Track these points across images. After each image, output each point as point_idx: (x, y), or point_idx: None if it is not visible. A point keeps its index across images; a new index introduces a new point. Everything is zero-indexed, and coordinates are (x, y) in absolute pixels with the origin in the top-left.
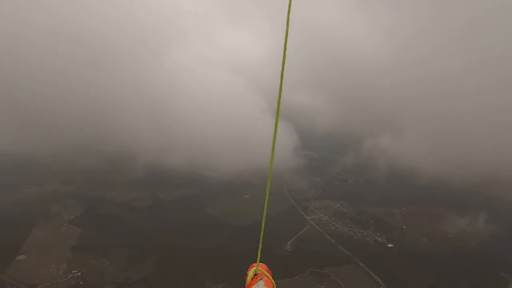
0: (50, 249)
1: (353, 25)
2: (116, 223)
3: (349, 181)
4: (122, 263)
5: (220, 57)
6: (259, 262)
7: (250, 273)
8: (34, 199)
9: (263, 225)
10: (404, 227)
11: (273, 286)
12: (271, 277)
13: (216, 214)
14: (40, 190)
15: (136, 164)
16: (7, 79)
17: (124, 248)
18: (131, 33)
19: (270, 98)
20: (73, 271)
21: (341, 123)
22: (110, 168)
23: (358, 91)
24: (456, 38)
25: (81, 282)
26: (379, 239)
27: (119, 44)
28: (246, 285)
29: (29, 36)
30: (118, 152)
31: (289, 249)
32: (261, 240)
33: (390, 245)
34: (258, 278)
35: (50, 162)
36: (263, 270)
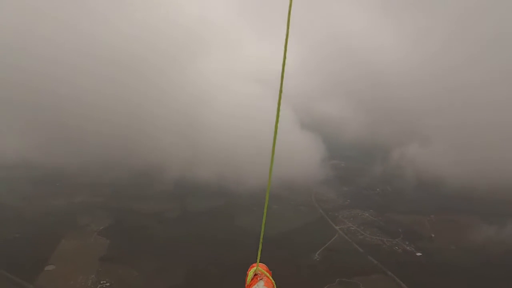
0: (79, 260)
1: (380, 35)
2: (144, 234)
3: (377, 190)
4: (150, 274)
5: (245, 69)
6: (259, 262)
7: (250, 273)
8: (62, 210)
9: (263, 225)
10: (433, 235)
11: (273, 286)
12: (271, 277)
13: (245, 225)
14: (68, 201)
15: (164, 177)
16: (39, 97)
17: (153, 259)
18: (157, 47)
19: (297, 109)
20: (101, 282)
21: (369, 133)
22: (138, 181)
23: (385, 101)
24: (483, 48)
25: None
26: (408, 248)
27: (145, 58)
28: (246, 285)
29: (60, 57)
30: (146, 166)
31: (317, 259)
32: (261, 240)
33: (418, 254)
34: (258, 278)
35: (79, 175)
36: (263, 270)
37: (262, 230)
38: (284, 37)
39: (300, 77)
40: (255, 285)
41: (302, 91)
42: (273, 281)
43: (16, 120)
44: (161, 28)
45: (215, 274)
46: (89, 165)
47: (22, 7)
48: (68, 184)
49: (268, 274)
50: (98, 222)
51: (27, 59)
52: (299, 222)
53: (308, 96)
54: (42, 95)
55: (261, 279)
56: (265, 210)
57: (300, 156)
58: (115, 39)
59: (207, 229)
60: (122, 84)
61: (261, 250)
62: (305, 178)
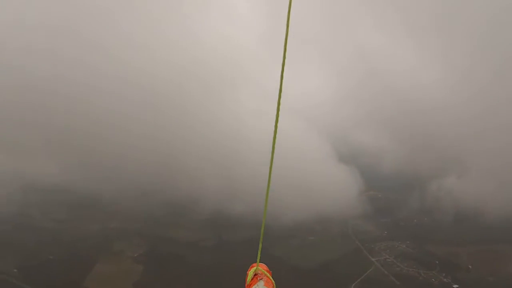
0: (113, 284)
1: (411, 60)
2: (179, 261)
3: (415, 221)
4: None
5: (284, 101)
6: (259, 262)
7: (250, 273)
8: (98, 235)
9: (263, 226)
10: (470, 266)
11: (273, 286)
12: (271, 277)
13: (282, 255)
14: (104, 226)
15: (199, 207)
16: (77, 123)
17: (186, 286)
18: (194, 76)
19: (332, 139)
20: None
21: (406, 163)
22: (174, 210)
23: (421, 129)
24: None
25: None
26: (445, 279)
27: (183, 87)
28: (246, 285)
29: (98, 83)
30: (182, 195)
31: None
32: (261, 240)
33: (455, 286)
34: (258, 278)
35: (115, 201)
36: (263, 270)
37: (262, 231)
38: (284, 38)
39: (335, 109)
40: (255, 285)
41: (337, 123)
42: (273, 281)
43: (54, 144)
44: (200, 57)
45: None
46: (125, 192)
47: (71, 36)
48: (104, 209)
49: (268, 274)
50: (133, 248)
51: (71, 87)
52: (335, 254)
53: (343, 125)
54: (82, 122)
55: (261, 279)
56: (265, 211)
57: (336, 187)
58: (156, 67)
59: (241, 259)
60: (161, 112)
61: (259, 249)
62: (341, 210)
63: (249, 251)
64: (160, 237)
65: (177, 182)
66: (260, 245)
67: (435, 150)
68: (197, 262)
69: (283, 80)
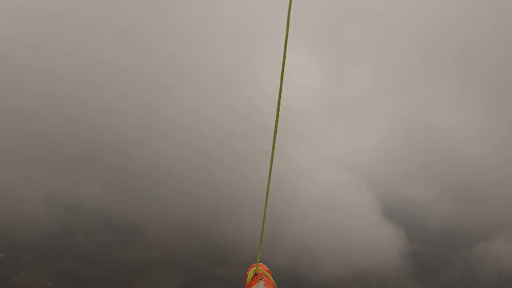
0: None
1: (467, 117)
2: None
3: (457, 278)
4: None
5: (329, 154)
6: (259, 262)
7: (250, 273)
8: (137, 262)
9: (263, 225)
10: None
11: (274, 286)
12: (271, 277)
13: None
14: (144, 254)
15: (239, 250)
16: (132, 163)
17: None
18: (237, 131)
19: (379, 193)
20: None
21: (454, 220)
22: (213, 250)
23: (473, 187)
24: None
25: None
26: None
27: (225, 143)
28: (246, 285)
29: (160, 127)
30: (222, 238)
31: None
32: (261, 240)
33: None
34: (258, 278)
35: (157, 232)
36: (263, 270)
37: (262, 230)
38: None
39: (385, 163)
40: (255, 285)
41: (383, 171)
42: (273, 281)
43: (103, 169)
44: (242, 111)
45: None
46: (168, 226)
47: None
48: (146, 237)
49: (268, 274)
50: (171, 278)
51: (132, 129)
52: None
53: (390, 176)
54: (137, 163)
55: (261, 279)
56: (265, 210)
57: (378, 242)
58: (211, 130)
59: None
60: (212, 159)
61: (259, 249)
62: (382, 266)
63: None
64: (199, 271)
65: (219, 226)
66: (260, 245)
67: (486, 210)
68: None
69: (282, 81)
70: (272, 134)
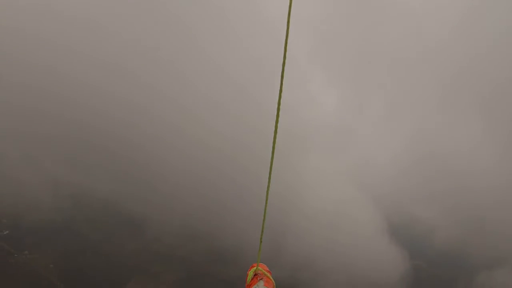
0: None
1: (478, 142)
2: None
3: None
4: None
5: (339, 168)
6: (259, 262)
7: (250, 273)
8: (138, 254)
9: (263, 225)
10: None
11: (274, 286)
12: (271, 277)
13: None
14: (145, 248)
15: (240, 255)
16: (138, 167)
17: None
18: (245, 144)
19: (389, 219)
20: None
21: (459, 243)
22: (215, 256)
23: (482, 220)
24: None
25: None
26: None
27: (234, 158)
28: (246, 285)
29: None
30: (223, 246)
31: None
32: (261, 240)
33: None
34: (258, 278)
35: (160, 228)
36: (263, 270)
37: (262, 229)
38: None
39: (395, 184)
40: (255, 285)
41: (397, 198)
42: (273, 281)
43: (112, 166)
44: (252, 124)
45: None
46: (171, 224)
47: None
48: (148, 232)
49: (268, 274)
50: (171, 272)
51: (144, 139)
52: None
53: (398, 196)
54: (142, 169)
55: (261, 279)
56: (265, 210)
57: (382, 258)
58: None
59: None
60: (217, 171)
61: (259, 248)
62: (384, 279)
63: None
64: (200, 264)
65: (219, 233)
66: (260, 245)
67: (493, 239)
68: None
69: (283, 80)
70: (276, 135)
